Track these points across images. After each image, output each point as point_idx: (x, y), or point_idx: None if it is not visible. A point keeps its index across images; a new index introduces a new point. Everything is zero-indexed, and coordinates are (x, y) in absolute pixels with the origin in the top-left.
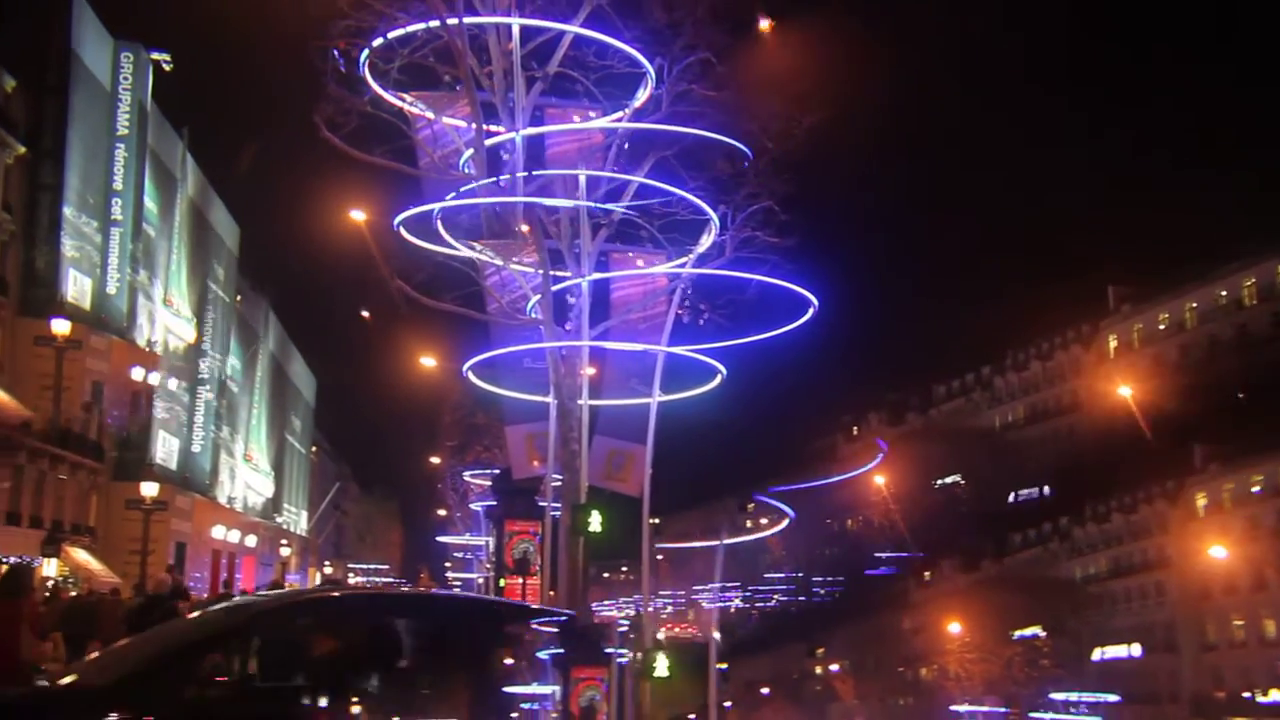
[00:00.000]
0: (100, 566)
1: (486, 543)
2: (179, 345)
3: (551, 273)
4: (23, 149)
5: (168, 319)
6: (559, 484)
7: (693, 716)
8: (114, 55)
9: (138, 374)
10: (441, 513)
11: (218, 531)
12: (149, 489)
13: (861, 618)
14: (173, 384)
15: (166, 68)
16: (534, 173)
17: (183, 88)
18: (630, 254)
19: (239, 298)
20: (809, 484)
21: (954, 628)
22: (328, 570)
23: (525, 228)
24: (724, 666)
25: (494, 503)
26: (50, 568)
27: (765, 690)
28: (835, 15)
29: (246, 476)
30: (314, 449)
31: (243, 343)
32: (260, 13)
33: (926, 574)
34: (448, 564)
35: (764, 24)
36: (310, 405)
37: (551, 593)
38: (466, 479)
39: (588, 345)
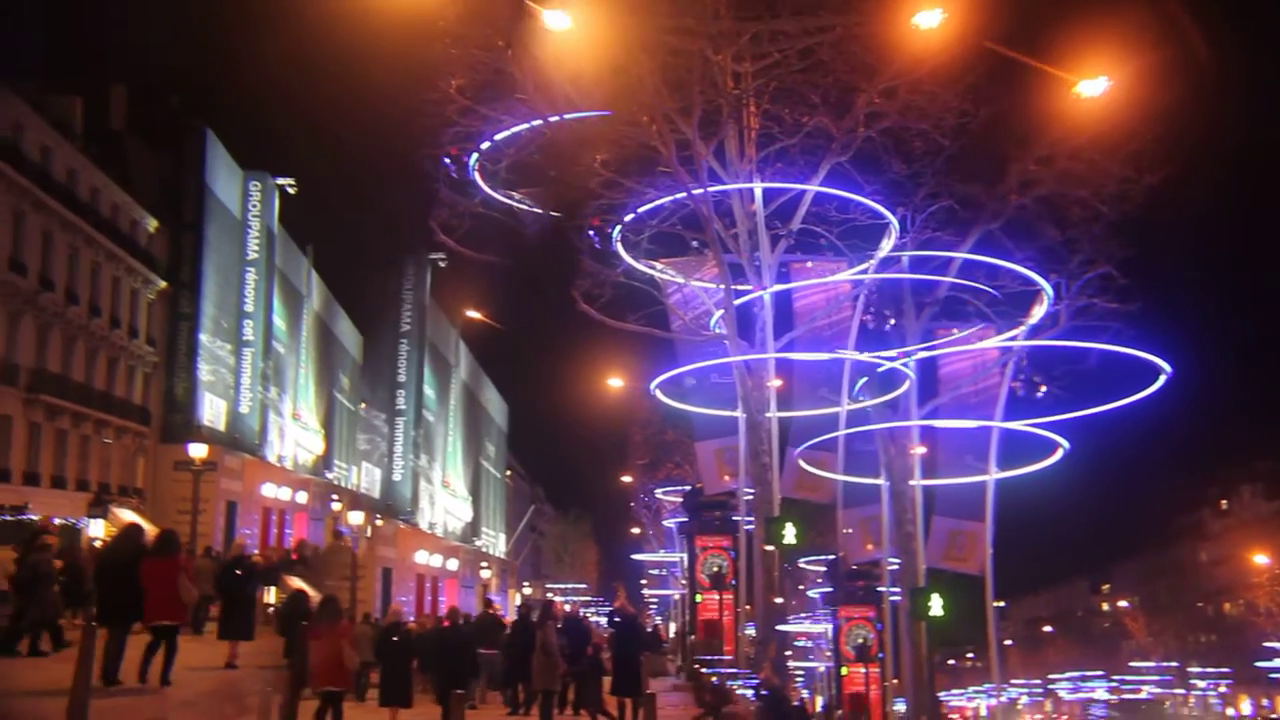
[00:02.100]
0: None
1: (681, 559)
2: (308, 459)
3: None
4: (164, 284)
5: (297, 432)
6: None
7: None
8: (243, 185)
9: (269, 490)
10: (635, 530)
11: (420, 557)
12: (356, 517)
13: (1152, 550)
14: (374, 418)
15: (291, 191)
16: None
17: (306, 208)
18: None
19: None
20: None
21: (1261, 559)
22: (527, 591)
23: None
24: (1002, 604)
25: (685, 519)
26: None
27: (1048, 628)
28: (1172, 60)
29: (445, 502)
30: (508, 473)
31: (436, 371)
32: None
33: (1223, 503)
34: (643, 581)
35: (1091, 88)
36: (503, 431)
37: (895, 680)
38: (658, 496)
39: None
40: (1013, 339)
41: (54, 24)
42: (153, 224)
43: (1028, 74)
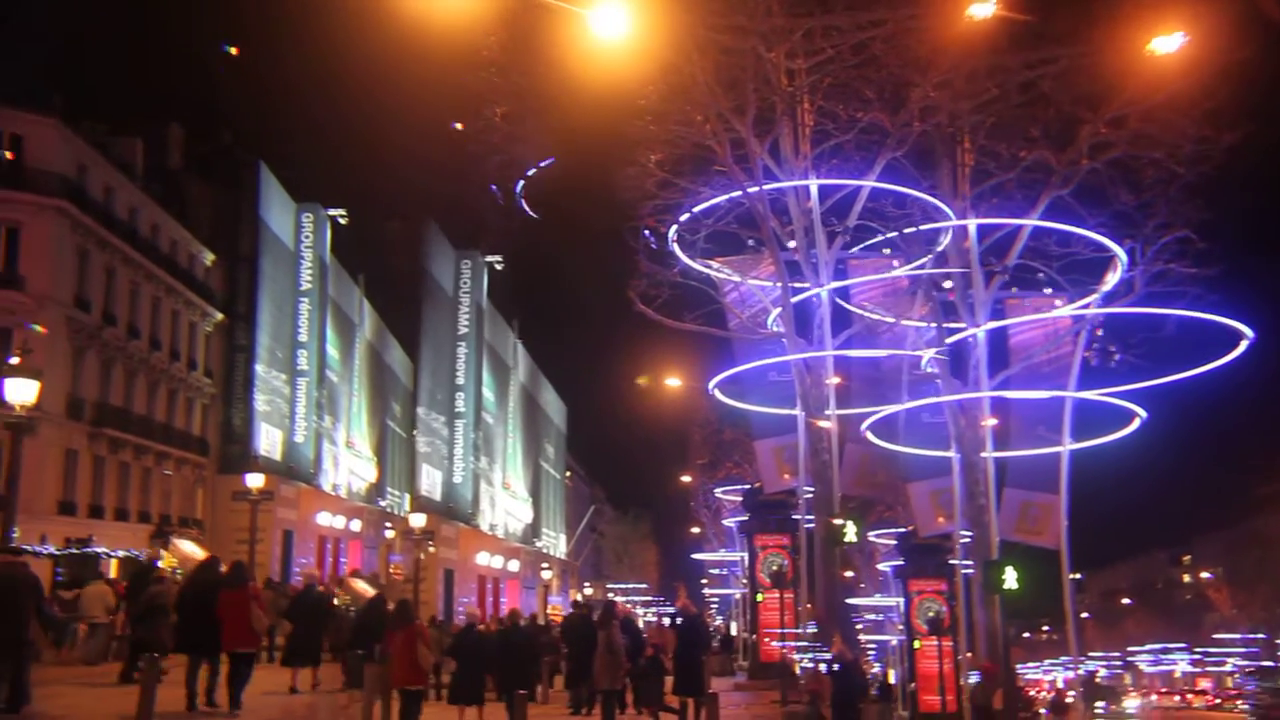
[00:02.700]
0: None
1: (741, 558)
2: (362, 487)
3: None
4: (221, 316)
5: (351, 461)
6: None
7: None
8: (295, 217)
9: (324, 519)
10: (695, 530)
11: (481, 558)
12: (417, 520)
13: (1235, 520)
14: (433, 421)
15: (342, 222)
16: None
17: (357, 238)
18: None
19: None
20: None
21: None
22: (588, 591)
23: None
24: (1078, 576)
25: (746, 518)
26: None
27: (1126, 601)
28: (1250, 12)
29: (506, 504)
30: (568, 474)
31: (495, 373)
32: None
33: None
34: (704, 580)
35: (1165, 44)
36: (562, 432)
37: (969, 654)
38: (718, 495)
39: (984, 396)
40: (1085, 307)
41: (116, 68)
42: (210, 258)
43: (1098, 32)
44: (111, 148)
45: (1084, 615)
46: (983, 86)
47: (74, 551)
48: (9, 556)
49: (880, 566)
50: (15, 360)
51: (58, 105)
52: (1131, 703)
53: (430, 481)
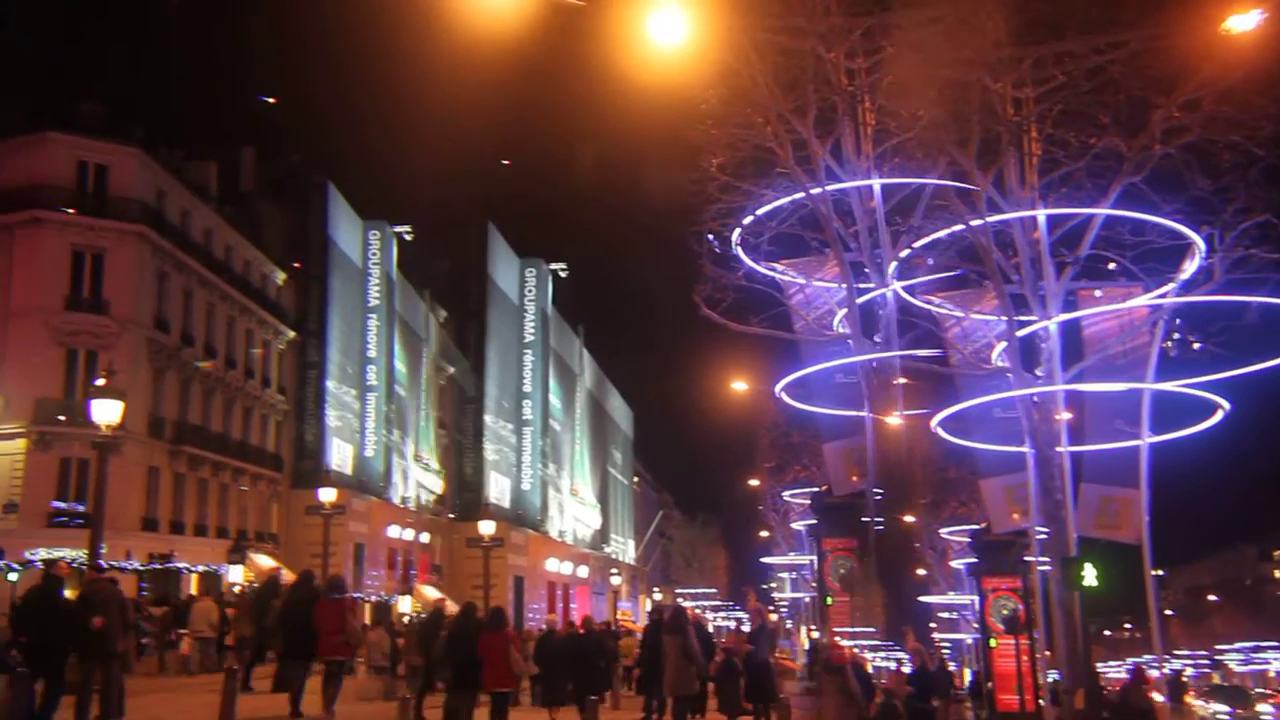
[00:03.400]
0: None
1: (810, 562)
2: (430, 500)
3: (1016, 318)
4: (293, 334)
5: (419, 474)
6: (1044, 537)
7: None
8: (362, 234)
9: (394, 531)
10: (764, 534)
11: (551, 564)
12: (486, 527)
13: None
14: (501, 429)
15: (408, 238)
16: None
17: (422, 252)
18: (1097, 292)
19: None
20: None
21: None
22: (657, 596)
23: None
24: (1161, 573)
25: (814, 521)
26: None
27: (1213, 597)
28: None
29: (574, 510)
30: (635, 479)
31: (561, 380)
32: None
33: None
34: (772, 585)
35: (1241, 22)
36: (629, 437)
37: (1048, 653)
38: (786, 499)
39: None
40: (1163, 296)
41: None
42: (281, 277)
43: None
44: (187, 173)
45: (1168, 612)
46: (1048, 74)
47: (157, 567)
48: (95, 573)
49: (953, 564)
50: (101, 382)
51: (138, 135)
52: (1267, 708)
53: (499, 489)
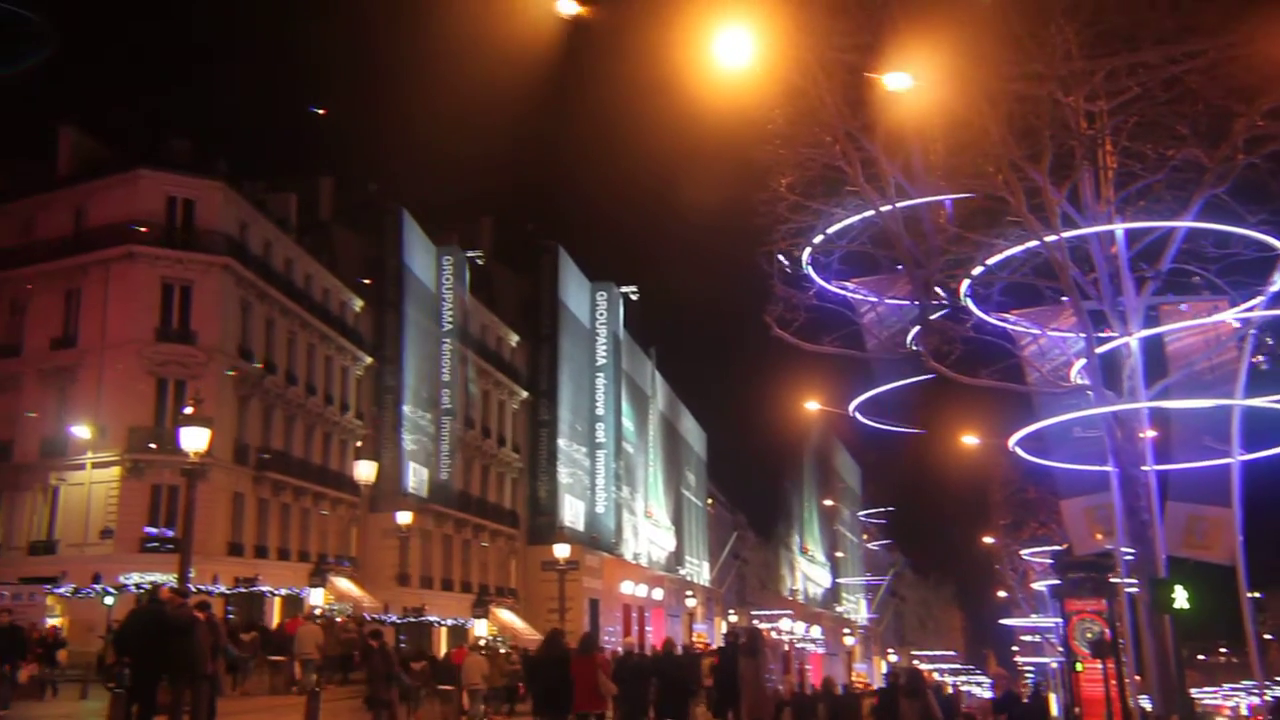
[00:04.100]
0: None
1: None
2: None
3: (1095, 335)
4: (370, 360)
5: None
6: (1130, 558)
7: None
8: (436, 259)
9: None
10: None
11: (626, 587)
12: (561, 550)
13: None
14: (574, 451)
15: (480, 263)
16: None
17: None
18: (1182, 307)
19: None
20: None
21: None
22: (732, 619)
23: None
24: (1258, 595)
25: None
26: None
27: None
28: None
29: (648, 532)
30: (709, 501)
31: (634, 403)
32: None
33: None
34: (1015, 648)
35: None
36: (702, 459)
37: (1138, 678)
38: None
39: (1144, 407)
40: (1250, 310)
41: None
42: (358, 304)
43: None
44: (268, 204)
45: (1266, 637)
46: (1123, 85)
47: (242, 590)
48: (181, 599)
49: (1035, 586)
50: (189, 410)
51: (222, 169)
52: None
53: (573, 512)
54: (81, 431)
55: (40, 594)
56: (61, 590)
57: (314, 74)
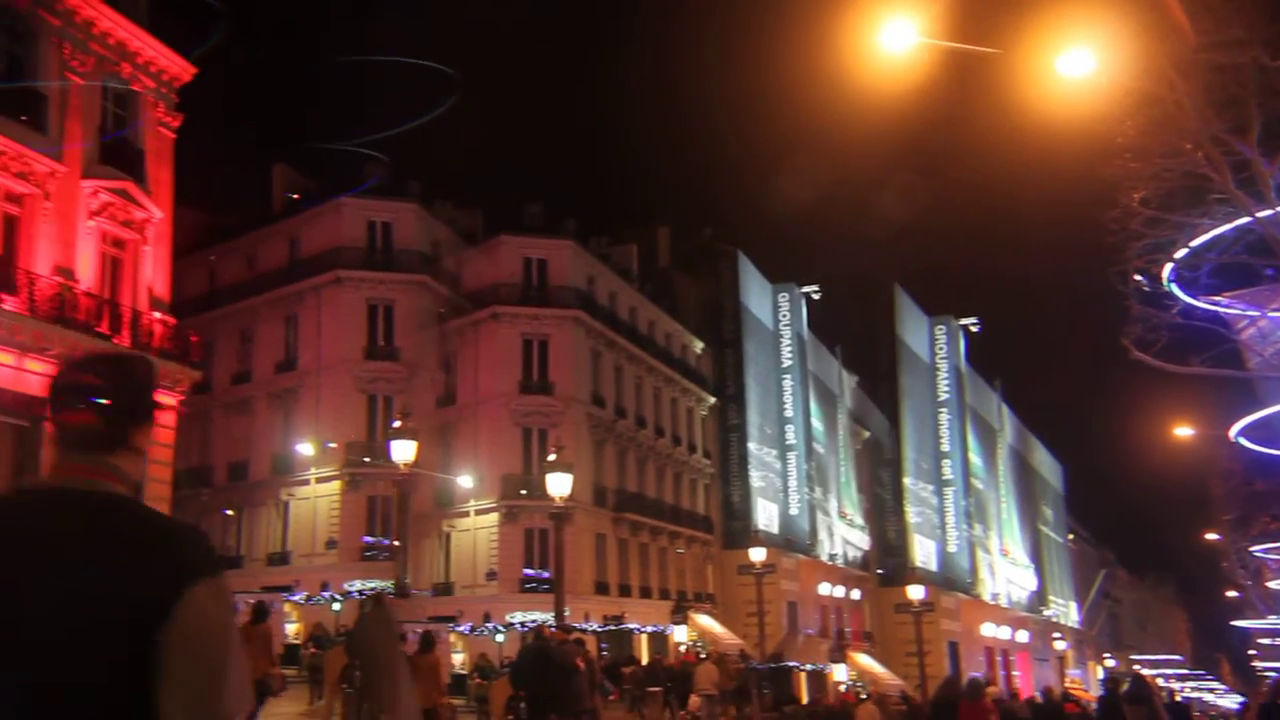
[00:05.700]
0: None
1: None
2: (856, 555)
3: None
4: (713, 399)
5: (845, 531)
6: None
7: None
8: (773, 298)
9: (825, 589)
10: (1232, 594)
11: (987, 629)
12: (915, 592)
13: None
14: (921, 490)
15: (816, 298)
16: None
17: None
18: None
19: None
20: None
21: None
22: (1110, 663)
23: None
24: None
25: None
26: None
27: None
28: None
29: (1006, 571)
30: (1070, 536)
31: (981, 439)
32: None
33: None
34: (1252, 651)
35: None
36: (1059, 493)
37: None
38: (1256, 554)
39: None
40: None
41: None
42: (699, 346)
43: None
44: (612, 257)
45: None
46: None
47: (612, 628)
48: (562, 635)
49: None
50: (553, 457)
51: (570, 228)
52: None
53: (923, 552)
54: (305, 448)
55: (278, 601)
56: (295, 597)
57: (646, 129)
